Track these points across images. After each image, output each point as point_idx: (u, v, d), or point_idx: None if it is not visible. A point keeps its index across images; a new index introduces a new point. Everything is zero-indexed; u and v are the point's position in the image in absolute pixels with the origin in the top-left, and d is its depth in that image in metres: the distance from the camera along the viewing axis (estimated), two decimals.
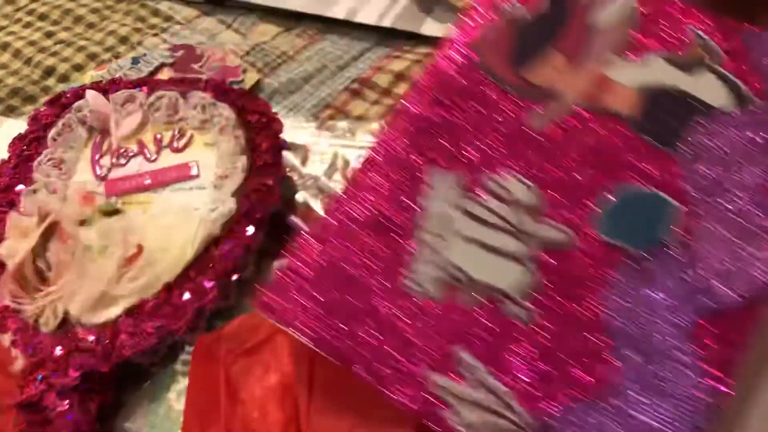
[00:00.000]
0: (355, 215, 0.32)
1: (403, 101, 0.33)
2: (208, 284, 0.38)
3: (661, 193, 0.30)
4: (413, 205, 0.31)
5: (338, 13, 0.55)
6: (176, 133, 0.45)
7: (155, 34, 0.57)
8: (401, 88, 0.50)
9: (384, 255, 0.30)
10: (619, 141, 0.31)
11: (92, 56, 0.55)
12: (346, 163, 0.46)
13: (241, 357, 0.34)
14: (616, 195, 0.30)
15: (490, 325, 0.28)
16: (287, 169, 0.45)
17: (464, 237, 0.30)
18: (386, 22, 0.54)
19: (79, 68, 0.54)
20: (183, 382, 0.37)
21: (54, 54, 0.55)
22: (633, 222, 0.30)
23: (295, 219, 0.42)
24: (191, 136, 0.45)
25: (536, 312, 0.28)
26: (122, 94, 0.46)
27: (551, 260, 0.29)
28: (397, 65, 0.51)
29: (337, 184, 0.45)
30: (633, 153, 0.31)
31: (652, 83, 0.31)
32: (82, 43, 0.56)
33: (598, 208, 0.30)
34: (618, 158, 0.30)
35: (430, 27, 0.53)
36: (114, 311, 0.37)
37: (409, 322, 0.29)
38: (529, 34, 0.33)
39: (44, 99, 0.52)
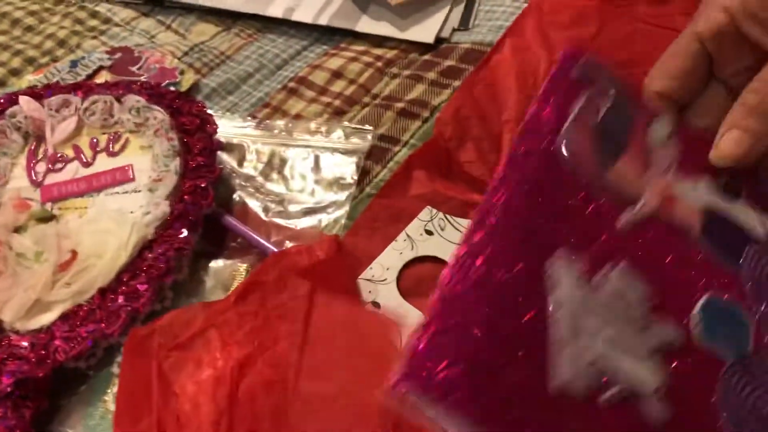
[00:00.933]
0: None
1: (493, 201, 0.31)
2: (142, 288, 0.38)
3: (740, 307, 0.31)
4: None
5: (275, 12, 0.55)
6: (112, 136, 0.46)
7: (94, 37, 0.56)
8: (337, 86, 0.51)
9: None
10: (694, 255, 0.31)
11: (30, 60, 0.55)
12: (283, 161, 0.46)
13: (174, 351, 0.35)
14: (704, 304, 0.30)
15: (629, 424, 0.28)
16: (224, 170, 0.46)
17: (595, 335, 0.29)
18: (322, 21, 0.54)
19: (16, 73, 0.54)
20: None
21: None
22: (722, 331, 0.30)
23: (229, 218, 0.43)
24: (127, 140, 0.45)
25: (668, 410, 0.28)
26: (57, 99, 0.46)
27: (668, 360, 0.29)
28: (334, 63, 0.52)
29: (273, 184, 0.45)
30: (708, 267, 0.31)
31: (708, 205, 0.33)
32: (20, 46, 0.56)
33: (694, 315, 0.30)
34: (697, 271, 0.31)
35: (366, 24, 0.54)
36: (48, 317, 0.38)
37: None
38: (606, 138, 0.34)
39: None
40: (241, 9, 0.56)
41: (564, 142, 0.33)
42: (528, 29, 0.50)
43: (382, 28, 0.53)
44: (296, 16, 0.55)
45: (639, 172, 0.33)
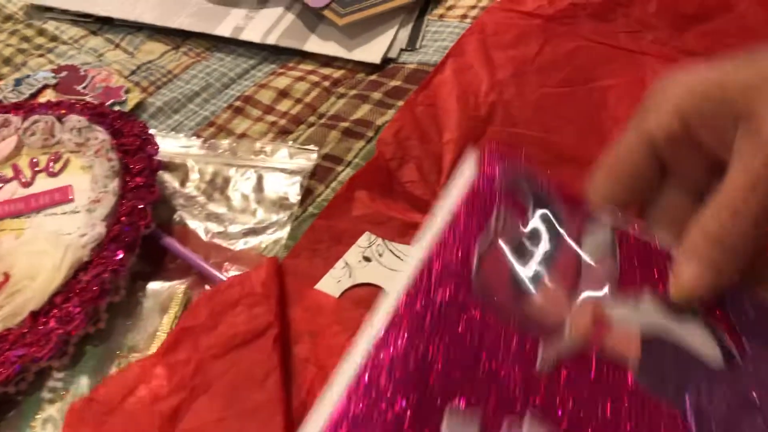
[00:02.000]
0: None
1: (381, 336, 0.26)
2: (75, 310, 0.38)
3: None
4: None
5: (224, 31, 0.55)
6: (52, 157, 0.45)
7: (40, 55, 0.56)
8: (283, 105, 0.51)
9: None
10: (625, 393, 0.27)
11: None
12: (226, 181, 0.46)
13: (109, 415, 0.34)
14: None
15: None
16: (166, 190, 0.46)
17: None
18: (271, 40, 0.54)
19: None
20: (48, 410, 0.36)
21: None
22: None
23: (169, 240, 0.43)
24: (68, 160, 0.45)
25: None
26: None
27: None
28: (281, 82, 0.52)
29: (215, 204, 0.45)
30: (639, 406, 0.26)
31: (651, 327, 0.28)
32: None
33: None
34: (632, 416, 0.26)
35: (314, 44, 0.54)
36: None
37: None
38: (523, 255, 0.29)
39: None
40: (190, 28, 0.56)
41: (475, 269, 0.28)
42: (470, 49, 0.50)
43: (330, 48, 0.54)
44: (245, 36, 0.55)
45: (566, 294, 0.28)
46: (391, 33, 0.54)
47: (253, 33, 0.55)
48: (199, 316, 0.38)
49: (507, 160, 0.31)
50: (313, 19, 0.55)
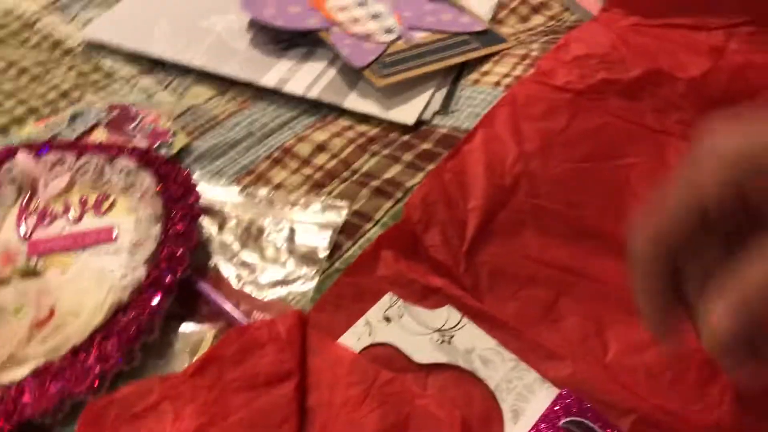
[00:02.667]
0: None
1: None
2: (112, 349, 0.41)
3: None
4: None
5: (269, 82, 0.58)
6: (101, 196, 0.48)
7: (95, 91, 0.60)
8: (320, 159, 0.53)
9: None
10: None
11: (33, 110, 0.58)
12: (260, 231, 0.49)
13: (128, 423, 0.37)
14: None
15: None
16: (203, 235, 0.48)
17: None
18: (313, 94, 0.57)
19: (19, 121, 0.57)
20: None
21: None
22: None
23: (203, 284, 0.45)
24: (114, 200, 0.48)
25: None
26: (53, 155, 0.49)
27: None
28: (319, 136, 0.55)
29: (248, 252, 0.48)
30: None
31: None
32: (24, 96, 0.59)
33: None
34: None
35: (353, 101, 0.57)
36: (21, 372, 0.40)
37: None
38: None
39: None
40: (237, 76, 0.59)
41: None
42: (500, 120, 0.53)
43: (368, 107, 0.56)
44: (288, 88, 0.58)
45: None
46: (426, 96, 0.57)
47: (296, 86, 0.58)
48: (228, 349, 0.41)
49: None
50: (353, 76, 0.58)
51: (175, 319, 0.44)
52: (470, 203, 0.48)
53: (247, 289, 0.46)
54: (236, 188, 0.52)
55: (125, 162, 0.49)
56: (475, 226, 0.47)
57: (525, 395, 0.41)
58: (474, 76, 0.59)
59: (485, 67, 0.60)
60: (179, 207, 0.47)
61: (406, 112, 0.56)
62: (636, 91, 0.55)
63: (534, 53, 0.60)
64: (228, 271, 0.47)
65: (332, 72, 0.59)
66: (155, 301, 0.42)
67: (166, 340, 0.44)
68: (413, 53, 0.59)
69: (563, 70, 0.56)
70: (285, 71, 0.59)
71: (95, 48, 0.63)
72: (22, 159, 0.49)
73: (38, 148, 0.50)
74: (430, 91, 0.57)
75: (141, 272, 0.43)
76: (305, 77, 0.58)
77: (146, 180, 0.48)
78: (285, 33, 0.61)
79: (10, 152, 0.50)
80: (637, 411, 0.40)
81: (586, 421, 0.39)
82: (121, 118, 0.56)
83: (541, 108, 0.54)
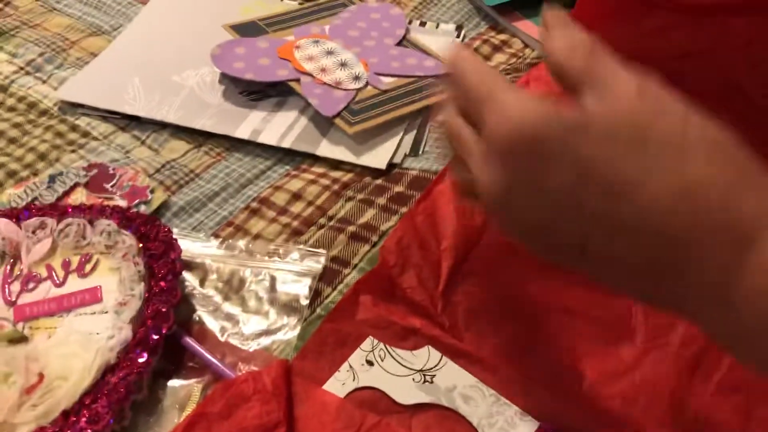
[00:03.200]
0: None
1: None
2: (103, 411, 0.41)
3: None
4: None
5: (243, 133, 0.60)
6: (83, 258, 0.49)
7: (72, 151, 0.61)
8: (296, 207, 0.55)
9: None
10: None
11: (12, 173, 0.59)
12: (242, 282, 0.50)
13: None
14: None
15: None
16: (186, 289, 0.50)
17: None
18: (286, 143, 0.59)
19: None
20: None
21: None
22: None
23: (188, 339, 0.46)
24: (97, 261, 0.49)
25: None
26: (34, 221, 0.50)
27: None
28: (295, 185, 0.56)
29: (231, 304, 0.49)
30: None
31: None
32: (3, 159, 0.60)
33: None
34: None
35: (325, 149, 0.59)
36: None
37: None
38: None
39: None
40: (212, 130, 0.60)
41: None
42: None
43: (340, 153, 0.58)
44: (262, 138, 0.59)
45: None
46: (396, 140, 0.59)
47: (269, 136, 0.59)
48: (215, 405, 0.42)
49: None
50: (325, 124, 0.60)
51: (163, 375, 0.45)
52: (443, 243, 0.50)
53: (232, 341, 0.47)
54: (215, 241, 0.53)
55: (106, 222, 0.50)
56: (449, 266, 0.49)
57: (507, 430, 0.43)
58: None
59: None
60: (161, 264, 0.48)
61: (378, 157, 0.58)
62: None
63: None
64: (212, 323, 0.48)
65: (304, 121, 0.60)
66: (142, 359, 0.43)
67: (155, 397, 0.45)
68: (381, 99, 0.61)
69: None
70: (258, 122, 0.60)
71: (71, 107, 0.64)
72: (4, 225, 0.50)
73: (19, 213, 0.51)
74: (400, 135, 0.59)
75: (127, 332, 0.44)
76: (278, 127, 0.60)
77: (127, 239, 0.49)
78: (256, 84, 0.63)
79: None
80: None
81: None
82: (99, 178, 0.57)
83: None
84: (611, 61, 0.31)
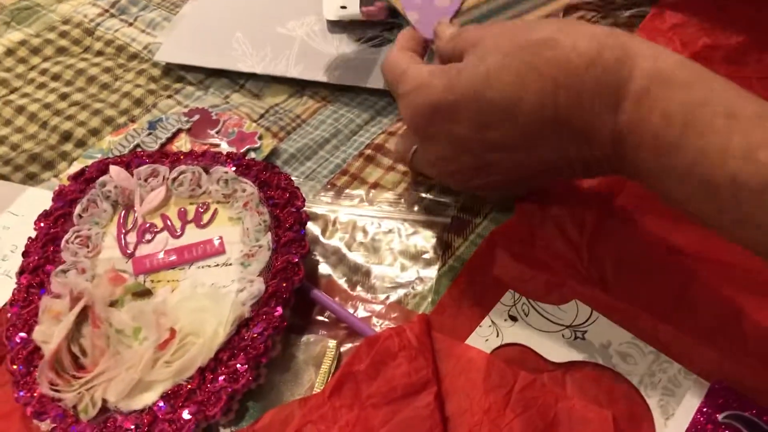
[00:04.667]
0: None
1: None
2: (241, 368, 0.39)
3: None
4: None
5: (376, 82, 0.55)
6: (200, 207, 0.47)
7: (169, 96, 0.58)
8: None
9: None
10: None
11: (108, 120, 0.56)
12: (365, 232, 0.47)
13: None
14: None
15: None
16: (310, 240, 0.47)
17: None
18: None
19: (95, 133, 0.55)
20: None
21: (69, 117, 0.56)
22: None
23: (318, 292, 0.44)
24: (215, 211, 0.46)
25: None
26: (145, 169, 0.48)
27: None
28: None
29: (356, 255, 0.46)
30: None
31: None
32: (97, 105, 0.57)
33: None
34: None
35: None
36: (150, 397, 0.39)
37: None
38: None
39: (63, 165, 0.53)
40: (341, 82, 0.56)
41: None
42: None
43: None
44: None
45: None
46: None
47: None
48: (361, 363, 0.40)
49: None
50: None
51: (294, 332, 0.43)
52: (585, 190, 0.46)
53: (362, 294, 0.45)
54: (333, 190, 0.50)
55: (223, 170, 0.47)
56: (594, 214, 0.46)
57: (671, 389, 0.39)
58: None
59: None
60: (286, 214, 0.45)
61: None
62: (740, 56, 0.53)
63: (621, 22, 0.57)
64: (339, 276, 0.45)
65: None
66: (278, 313, 0.41)
67: (289, 353, 0.42)
68: (493, 6, 0.55)
69: (662, 39, 0.54)
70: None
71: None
72: (116, 174, 0.47)
73: (129, 161, 0.48)
74: None
75: (259, 285, 0.42)
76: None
77: (248, 187, 0.46)
78: (371, 28, 0.59)
79: (101, 169, 0.48)
80: None
81: (748, 415, 0.37)
82: (202, 123, 0.54)
83: None
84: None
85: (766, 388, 0.39)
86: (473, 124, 0.39)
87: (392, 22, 0.60)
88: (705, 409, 0.38)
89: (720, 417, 0.38)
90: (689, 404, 0.39)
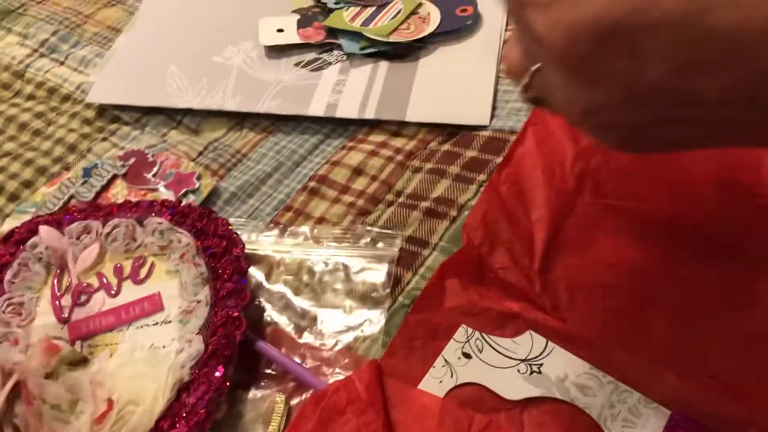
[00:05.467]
0: None
1: None
2: None
3: None
4: None
5: (317, 110, 0.54)
6: (136, 262, 0.45)
7: (104, 138, 0.55)
8: (359, 183, 0.50)
9: None
10: None
11: (41, 170, 0.54)
12: (311, 273, 0.45)
13: None
14: None
15: None
16: (252, 286, 0.45)
17: None
18: (369, 114, 0.53)
19: (28, 185, 0.53)
20: None
21: (1, 170, 0.54)
22: None
23: (263, 344, 0.42)
24: (152, 264, 0.45)
25: None
26: (77, 225, 0.46)
27: None
28: (354, 158, 0.51)
29: (302, 298, 0.44)
30: None
31: None
32: (30, 155, 0.55)
33: None
34: None
35: (414, 112, 0.53)
36: None
37: None
38: None
39: None
40: (281, 111, 0.54)
41: None
42: (549, 114, 0.49)
43: (431, 114, 0.52)
44: (340, 113, 0.53)
45: None
46: (489, 85, 0.53)
47: (347, 108, 0.53)
48: (308, 422, 0.38)
49: None
50: (407, 79, 0.54)
51: (239, 387, 0.41)
52: (534, 214, 0.45)
53: (309, 340, 0.43)
54: (276, 229, 0.48)
55: (157, 221, 0.45)
56: (544, 239, 0.44)
57: (632, 420, 0.38)
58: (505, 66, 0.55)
59: None
60: (225, 263, 0.43)
61: (477, 112, 0.51)
62: None
63: None
64: (285, 322, 0.44)
65: (380, 81, 0.55)
66: (219, 373, 0.39)
67: (235, 411, 0.40)
68: None
69: None
70: (329, 94, 0.54)
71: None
72: (46, 234, 0.45)
73: (59, 219, 0.46)
74: (493, 77, 0.53)
75: (198, 344, 0.40)
76: (353, 96, 0.54)
77: (183, 238, 0.44)
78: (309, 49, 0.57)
79: (31, 229, 0.46)
80: (756, 422, 0.37)
81: None
82: (138, 167, 0.52)
83: None
84: None
85: (726, 414, 0.37)
86: (673, 63, 0.26)
87: (331, 43, 0.58)
88: None
89: None
90: None
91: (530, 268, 0.43)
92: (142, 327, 0.42)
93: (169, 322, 0.42)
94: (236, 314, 0.41)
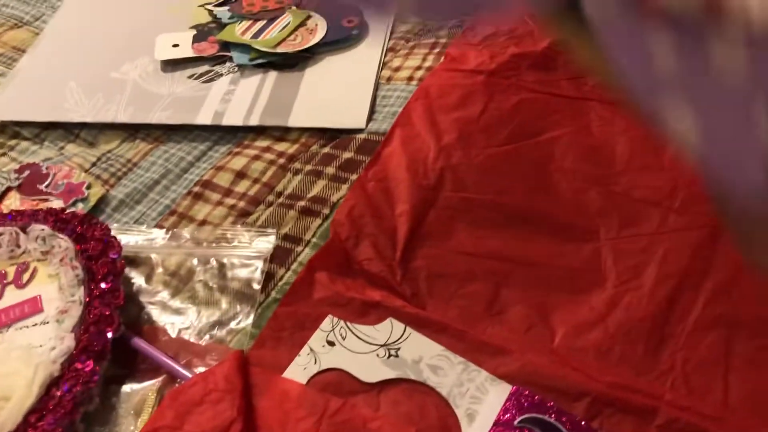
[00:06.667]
0: None
1: None
2: (50, 427, 0.39)
3: None
4: None
5: (204, 119, 0.56)
6: (20, 267, 0.47)
7: (3, 154, 0.57)
8: (242, 186, 0.52)
9: None
10: None
11: None
12: (190, 273, 0.48)
13: None
14: None
15: None
16: (132, 287, 0.47)
17: None
18: (253, 121, 0.55)
19: None
20: None
21: None
22: None
23: (138, 341, 0.44)
24: (35, 269, 0.46)
25: None
26: None
27: None
28: (238, 162, 0.53)
29: (181, 298, 0.47)
30: None
31: None
32: None
33: None
34: None
35: (296, 118, 0.56)
36: None
37: None
38: None
39: None
40: (169, 121, 0.56)
41: None
42: (416, 116, 0.52)
43: (312, 120, 0.55)
44: (227, 120, 0.56)
45: None
46: (368, 91, 0.56)
47: (233, 116, 0.56)
48: (166, 418, 0.40)
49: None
50: (291, 88, 0.57)
51: (115, 381, 0.43)
52: (398, 209, 0.47)
53: (185, 336, 0.45)
54: (160, 232, 0.50)
55: (39, 228, 0.47)
56: (406, 231, 0.47)
57: (478, 396, 0.40)
58: (386, 73, 0.58)
59: (395, 63, 0.58)
60: (100, 265, 0.45)
61: (354, 116, 0.54)
62: (548, 62, 0.54)
63: (443, 41, 0.58)
64: (162, 320, 0.46)
65: (267, 91, 0.57)
66: (88, 368, 0.41)
67: (108, 405, 0.42)
68: None
69: (473, 52, 0.55)
70: (217, 103, 0.57)
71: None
72: None
73: None
74: (372, 84, 0.56)
75: (69, 342, 0.42)
76: (240, 105, 0.56)
77: (63, 243, 0.46)
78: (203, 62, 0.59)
79: None
80: (590, 393, 0.39)
81: (540, 416, 0.39)
82: (32, 179, 0.54)
83: (455, 96, 0.53)
84: None
85: (565, 387, 0.40)
86: None
87: (223, 56, 0.60)
88: (505, 415, 0.39)
89: (516, 421, 0.39)
90: (490, 411, 0.40)
91: (392, 258, 0.46)
92: (21, 328, 0.44)
93: (47, 322, 0.44)
94: (108, 312, 0.43)
